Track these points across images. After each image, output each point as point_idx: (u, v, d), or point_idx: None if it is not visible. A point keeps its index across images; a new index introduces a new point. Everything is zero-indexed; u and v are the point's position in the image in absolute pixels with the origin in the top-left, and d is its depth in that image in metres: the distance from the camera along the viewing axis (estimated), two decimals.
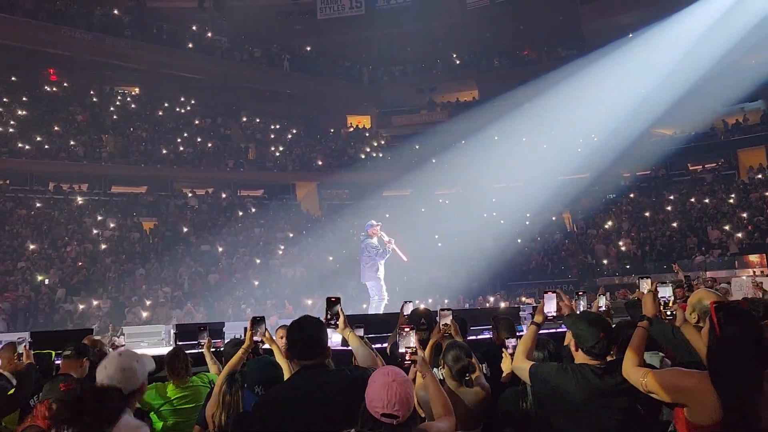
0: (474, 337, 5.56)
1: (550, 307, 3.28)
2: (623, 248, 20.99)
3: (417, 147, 28.20)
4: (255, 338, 3.68)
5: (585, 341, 2.77)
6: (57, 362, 4.03)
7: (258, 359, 3.41)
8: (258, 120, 30.16)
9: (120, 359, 2.39)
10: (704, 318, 3.00)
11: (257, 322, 3.73)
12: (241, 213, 23.54)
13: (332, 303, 3.09)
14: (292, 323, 2.76)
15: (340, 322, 3.05)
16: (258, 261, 19.96)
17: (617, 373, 2.68)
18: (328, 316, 3.06)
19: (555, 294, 3.31)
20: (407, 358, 2.74)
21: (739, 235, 19.22)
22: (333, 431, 2.34)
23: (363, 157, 28.50)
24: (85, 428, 2.13)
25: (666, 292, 3.30)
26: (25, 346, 4.43)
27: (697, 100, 22.64)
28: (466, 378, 3.21)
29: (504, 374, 3.59)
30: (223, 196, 24.64)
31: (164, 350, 4.76)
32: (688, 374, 2.36)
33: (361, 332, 3.59)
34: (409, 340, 2.76)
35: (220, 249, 20.00)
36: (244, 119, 29.91)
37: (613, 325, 3.48)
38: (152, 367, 2.66)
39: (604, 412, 2.68)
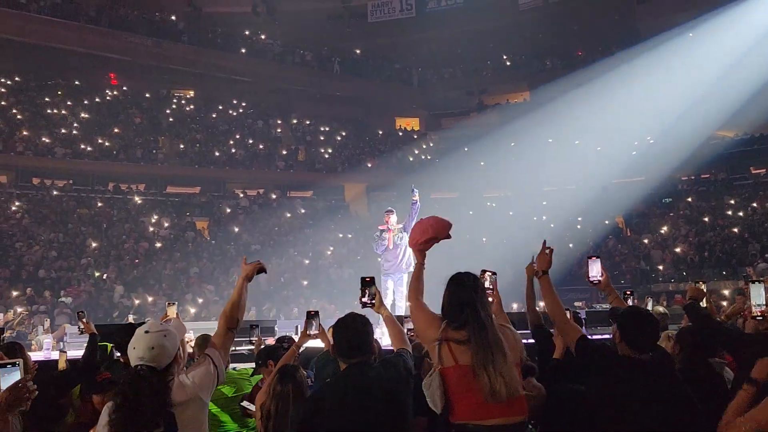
0: (525, 341, 5.45)
1: (595, 271, 3.33)
2: (680, 254, 20.28)
3: (466, 149, 27.97)
4: (310, 332, 3.71)
5: (629, 335, 2.73)
6: (117, 354, 4.17)
7: (329, 353, 3.48)
8: (308, 122, 30.55)
9: (147, 338, 2.39)
10: None
11: (311, 317, 3.75)
12: (289, 214, 23.86)
13: (367, 283, 3.10)
14: (338, 321, 2.77)
15: (376, 300, 3.06)
16: (307, 262, 20.18)
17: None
18: (364, 296, 3.08)
19: (598, 259, 3.32)
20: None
21: None
22: (381, 429, 2.37)
23: (411, 159, 28.47)
24: (140, 412, 2.23)
25: (758, 292, 3.12)
26: (83, 320, 4.70)
27: (760, 101, 21.67)
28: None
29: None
30: (273, 197, 25.04)
31: None
32: None
33: None
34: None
35: (270, 249, 20.31)
36: (295, 121, 30.34)
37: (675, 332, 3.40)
38: (183, 334, 2.74)
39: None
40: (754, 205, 21.66)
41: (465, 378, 2.47)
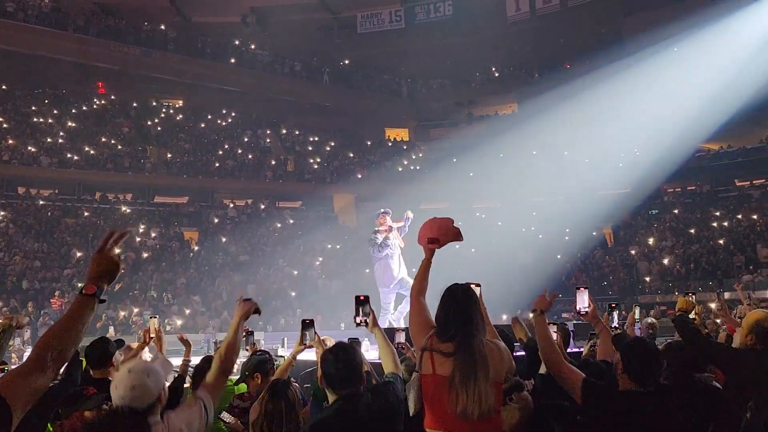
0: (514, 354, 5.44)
1: (582, 302, 3.33)
2: (666, 265, 20.42)
3: (455, 160, 28.07)
4: (305, 342, 3.64)
5: (634, 369, 2.72)
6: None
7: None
8: (297, 132, 30.54)
9: (129, 377, 2.31)
10: (763, 341, 2.88)
11: (307, 326, 3.68)
12: (279, 224, 23.78)
13: (361, 302, 3.08)
14: (326, 352, 2.74)
15: (370, 320, 3.04)
16: (295, 272, 20.10)
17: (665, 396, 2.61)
18: (358, 315, 3.06)
19: (587, 290, 3.35)
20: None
21: None
22: None
23: (400, 170, 28.52)
24: None
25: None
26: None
27: (745, 115, 21.98)
28: (510, 398, 3.14)
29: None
30: (262, 207, 24.96)
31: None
32: None
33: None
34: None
35: (258, 260, 20.21)
36: (284, 131, 30.31)
37: (660, 347, 3.40)
38: (169, 371, 2.64)
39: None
40: (739, 216, 21.90)
41: (440, 388, 2.47)
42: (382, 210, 8.07)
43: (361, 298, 3.09)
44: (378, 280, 8.34)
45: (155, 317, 4.61)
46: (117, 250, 2.19)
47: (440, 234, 2.92)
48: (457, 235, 2.99)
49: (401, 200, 25.92)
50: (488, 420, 2.47)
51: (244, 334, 4.29)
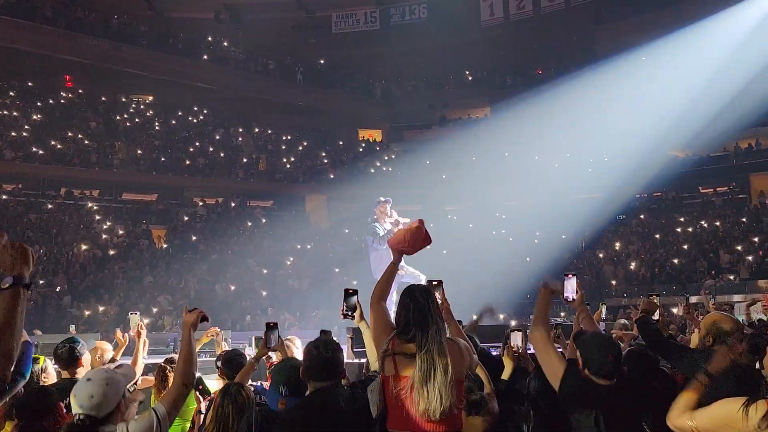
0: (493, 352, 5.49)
1: (570, 289, 3.30)
2: (632, 269, 20.82)
3: (428, 162, 28.19)
4: (269, 345, 3.63)
5: (593, 363, 2.76)
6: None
7: (287, 360, 3.40)
8: (270, 131, 30.32)
9: (88, 386, 2.35)
10: (720, 341, 2.96)
11: (271, 329, 3.66)
12: (250, 223, 23.58)
13: (349, 295, 3.09)
14: (309, 345, 2.80)
15: (357, 314, 3.05)
16: (265, 271, 19.95)
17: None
18: (345, 309, 3.07)
19: (575, 277, 3.34)
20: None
21: (750, 258, 19.03)
22: None
23: (373, 171, 28.53)
24: None
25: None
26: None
27: (710, 123, 22.53)
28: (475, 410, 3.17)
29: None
30: (232, 205, 24.72)
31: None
32: (736, 402, 2.14)
33: None
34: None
35: (228, 259, 20.01)
36: (256, 130, 30.07)
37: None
38: (132, 379, 2.65)
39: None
40: (703, 223, 22.44)
41: (403, 389, 2.49)
42: (383, 198, 7.55)
43: (350, 291, 3.10)
44: (375, 272, 8.02)
45: (136, 313, 4.56)
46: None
47: (412, 247, 3.00)
48: (425, 240, 3.01)
49: (373, 201, 26.02)
50: (450, 418, 2.49)
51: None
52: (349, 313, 3.07)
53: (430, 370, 2.47)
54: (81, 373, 3.73)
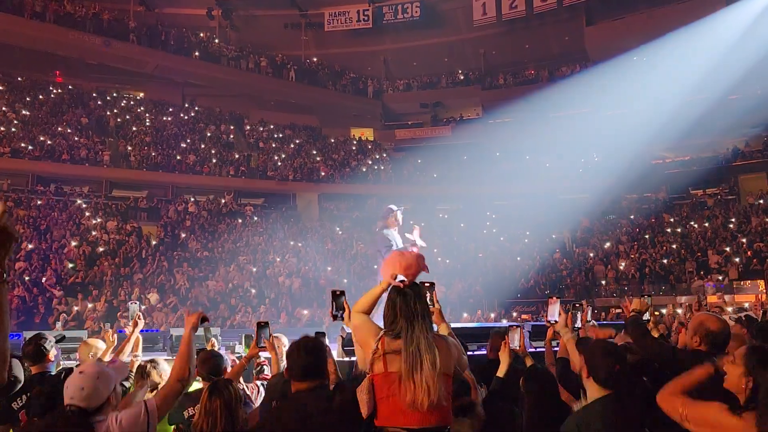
0: (470, 353, 5.51)
1: (554, 313, 3.34)
2: (622, 269, 20.95)
3: (419, 161, 28.22)
4: (260, 344, 3.64)
5: (598, 371, 2.72)
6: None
7: (281, 377, 3.42)
8: (261, 128, 30.22)
9: (80, 378, 2.42)
10: (706, 342, 2.98)
11: (261, 327, 3.67)
12: (241, 220, 23.50)
13: (337, 296, 3.10)
14: (292, 345, 2.80)
15: (346, 315, 3.06)
16: (255, 269, 19.89)
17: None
18: (334, 309, 3.08)
19: (558, 300, 3.38)
20: None
21: (737, 260, 19.19)
22: None
23: (365, 169, 28.52)
24: None
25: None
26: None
27: (700, 125, 22.69)
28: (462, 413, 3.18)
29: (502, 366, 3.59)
30: (223, 202, 24.63)
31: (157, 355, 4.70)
32: (732, 413, 2.18)
33: None
34: None
35: (219, 256, 19.93)
36: (248, 127, 29.95)
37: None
38: (124, 375, 2.78)
39: None
40: (692, 223, 22.60)
41: (392, 384, 2.51)
42: (394, 207, 7.23)
43: (337, 292, 3.12)
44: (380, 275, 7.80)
45: (136, 303, 4.58)
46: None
47: (407, 273, 2.81)
48: (422, 268, 2.92)
49: (365, 200, 26.06)
50: (439, 410, 2.50)
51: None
52: (338, 314, 3.08)
53: (417, 363, 2.49)
54: (50, 367, 3.85)
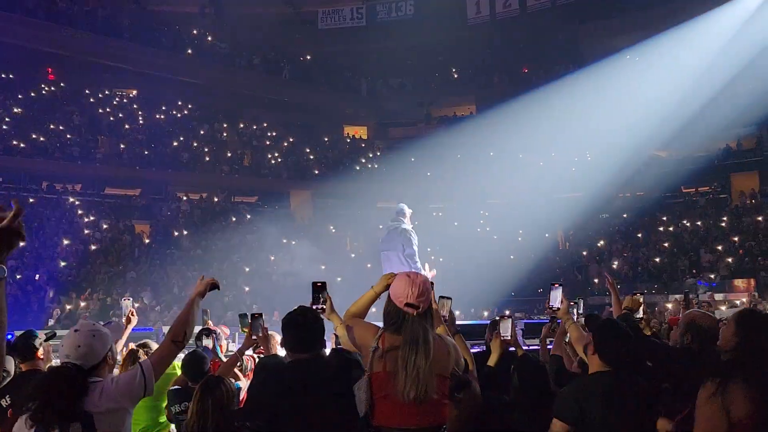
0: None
1: (555, 299, 3.39)
2: (615, 268, 21.02)
3: (413, 159, 28.21)
4: (254, 336, 3.65)
5: (607, 350, 2.80)
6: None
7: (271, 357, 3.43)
8: (255, 127, 30.15)
9: (75, 336, 2.42)
10: (698, 340, 2.99)
11: (255, 319, 3.68)
12: (234, 219, 23.45)
13: (318, 288, 3.11)
14: (288, 316, 2.83)
15: (327, 306, 3.06)
16: (247, 269, 19.87)
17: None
18: (314, 302, 3.09)
19: (560, 287, 3.42)
20: None
21: (729, 259, 19.30)
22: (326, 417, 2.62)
23: (358, 168, 28.50)
24: (51, 407, 2.23)
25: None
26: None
27: (693, 123, 22.78)
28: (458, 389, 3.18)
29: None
30: (216, 200, 24.57)
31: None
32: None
33: None
34: None
35: (212, 254, 19.89)
36: (241, 125, 29.88)
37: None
38: (119, 337, 3.01)
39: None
40: (685, 222, 22.70)
41: (388, 383, 2.50)
42: (406, 206, 7.56)
43: (318, 284, 3.12)
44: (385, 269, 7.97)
45: (129, 299, 4.63)
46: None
47: (419, 300, 2.59)
48: (431, 295, 2.75)
49: (358, 198, 26.05)
50: (432, 407, 2.50)
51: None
52: (319, 307, 3.08)
53: (411, 355, 2.48)
54: (41, 364, 3.83)
